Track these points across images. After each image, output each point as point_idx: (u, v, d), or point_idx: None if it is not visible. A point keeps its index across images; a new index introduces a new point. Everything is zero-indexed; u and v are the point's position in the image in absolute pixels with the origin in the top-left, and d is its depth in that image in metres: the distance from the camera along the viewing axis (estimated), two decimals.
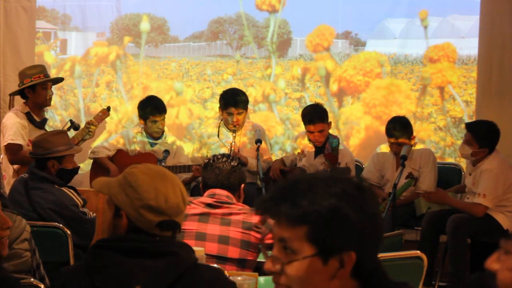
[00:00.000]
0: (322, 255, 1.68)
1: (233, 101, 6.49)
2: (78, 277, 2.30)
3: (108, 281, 2.24)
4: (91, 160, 6.75)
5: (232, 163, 4.05)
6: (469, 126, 6.10)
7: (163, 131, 6.68)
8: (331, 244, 1.68)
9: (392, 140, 6.27)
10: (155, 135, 6.61)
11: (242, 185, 4.08)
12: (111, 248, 2.27)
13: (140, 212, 2.31)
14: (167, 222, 2.32)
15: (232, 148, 6.41)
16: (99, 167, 6.59)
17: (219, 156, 4.10)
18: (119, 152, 6.62)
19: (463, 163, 6.96)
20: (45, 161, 4.95)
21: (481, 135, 5.94)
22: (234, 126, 6.48)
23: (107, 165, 6.54)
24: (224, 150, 6.43)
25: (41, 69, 6.33)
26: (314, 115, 6.41)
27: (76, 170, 5.14)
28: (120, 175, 2.42)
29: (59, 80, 6.59)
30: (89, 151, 6.70)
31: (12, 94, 6.39)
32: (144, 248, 2.26)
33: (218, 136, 6.67)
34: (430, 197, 6.10)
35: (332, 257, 1.68)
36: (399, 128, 6.27)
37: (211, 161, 4.08)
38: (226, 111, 6.50)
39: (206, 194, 4.03)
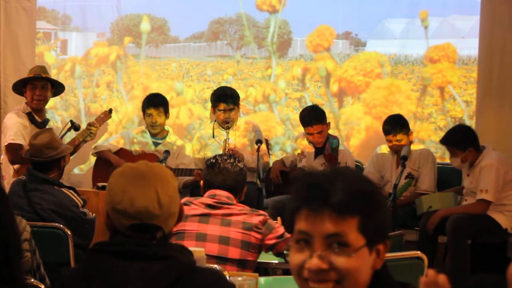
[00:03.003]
0: (369, 245, 1.69)
1: (223, 97, 6.55)
2: (76, 281, 2.29)
3: (104, 285, 2.22)
4: (92, 161, 6.77)
5: (239, 165, 4.04)
6: (441, 141, 6.16)
7: (167, 132, 6.73)
8: (378, 232, 1.70)
9: (390, 137, 6.29)
10: (151, 131, 6.66)
11: (245, 189, 4.09)
12: (108, 252, 2.26)
13: (113, 214, 2.31)
14: (138, 225, 2.28)
15: (226, 145, 6.41)
16: (101, 163, 6.60)
17: (226, 157, 4.08)
18: (123, 151, 6.65)
19: None
20: (57, 161, 4.95)
21: (456, 141, 5.99)
22: (227, 123, 6.50)
23: (109, 158, 6.55)
24: (222, 151, 6.43)
25: (35, 69, 6.35)
26: (312, 117, 6.42)
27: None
28: None
29: (56, 83, 6.52)
30: (92, 147, 6.73)
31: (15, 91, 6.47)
32: (141, 251, 2.24)
33: (213, 136, 6.67)
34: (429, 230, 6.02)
35: (375, 246, 1.71)
36: (395, 123, 6.32)
37: (219, 161, 4.07)
38: (217, 108, 6.56)
39: (206, 194, 4.02)
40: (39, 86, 6.24)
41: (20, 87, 6.34)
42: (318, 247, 1.67)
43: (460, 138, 6.02)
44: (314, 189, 1.68)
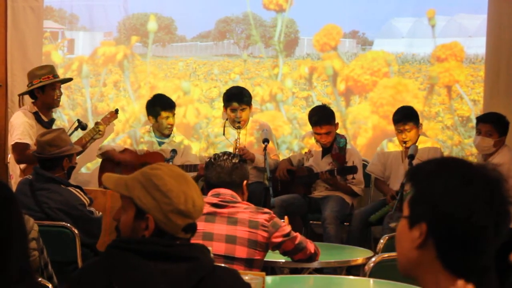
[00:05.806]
0: (410, 219, 1.78)
1: (235, 96, 6.57)
2: (96, 274, 2.28)
3: (127, 283, 2.22)
4: (99, 160, 6.78)
5: (233, 160, 4.05)
6: (486, 117, 6.16)
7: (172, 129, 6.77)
8: (415, 213, 1.78)
9: (400, 125, 6.32)
10: (167, 132, 6.69)
11: (245, 182, 4.08)
12: (132, 250, 2.24)
13: (168, 217, 2.29)
14: (191, 225, 2.34)
15: (237, 145, 6.43)
16: (107, 163, 6.62)
17: (220, 154, 4.10)
18: (128, 151, 6.67)
19: None
20: (60, 159, 4.95)
21: (501, 123, 6.00)
22: (239, 122, 6.51)
23: (116, 157, 6.58)
24: (231, 149, 6.45)
25: (50, 70, 6.36)
26: (321, 118, 6.42)
27: (75, 167, 5.19)
28: (139, 175, 2.36)
29: (67, 80, 6.63)
30: (97, 149, 6.74)
31: (21, 94, 6.40)
32: (165, 252, 2.24)
33: (223, 134, 6.70)
34: None
35: (416, 225, 1.77)
36: (406, 112, 6.35)
37: (212, 160, 4.08)
38: (229, 107, 6.58)
39: (210, 193, 4.03)
40: (57, 87, 6.32)
41: (32, 90, 6.31)
42: None
43: (503, 122, 6.03)
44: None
